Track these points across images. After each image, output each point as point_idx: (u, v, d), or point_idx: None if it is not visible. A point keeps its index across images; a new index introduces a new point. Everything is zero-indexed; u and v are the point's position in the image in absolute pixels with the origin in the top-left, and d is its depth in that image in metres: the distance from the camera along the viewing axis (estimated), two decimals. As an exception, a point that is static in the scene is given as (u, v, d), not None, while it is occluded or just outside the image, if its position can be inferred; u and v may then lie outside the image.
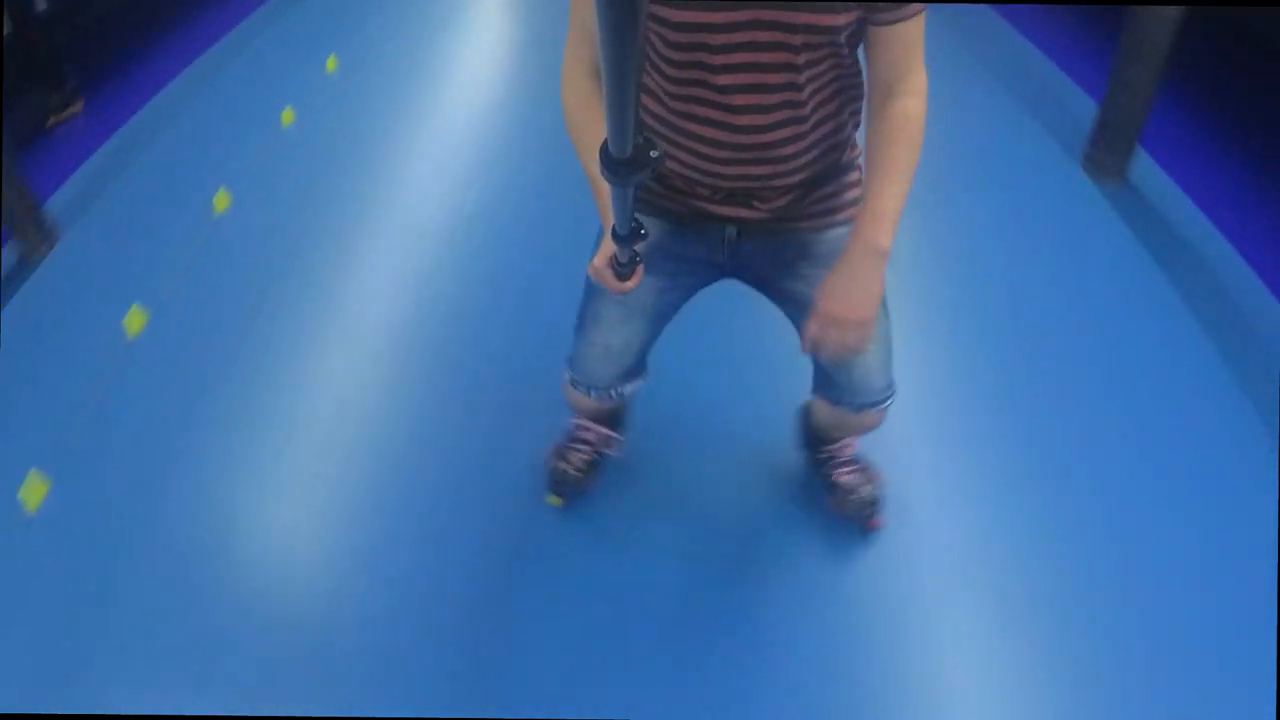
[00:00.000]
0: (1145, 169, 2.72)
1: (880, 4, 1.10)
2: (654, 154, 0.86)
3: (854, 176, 1.33)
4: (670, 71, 1.17)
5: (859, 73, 1.22)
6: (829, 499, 1.82)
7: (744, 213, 1.31)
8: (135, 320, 2.23)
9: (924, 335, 2.25)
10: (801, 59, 1.13)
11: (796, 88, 1.16)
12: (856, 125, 1.29)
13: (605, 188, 1.03)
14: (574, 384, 1.55)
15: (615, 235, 1.11)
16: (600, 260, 1.21)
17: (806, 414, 1.81)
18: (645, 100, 1.20)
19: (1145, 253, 2.46)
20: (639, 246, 1.14)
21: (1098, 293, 2.39)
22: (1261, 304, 2.35)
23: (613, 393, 1.53)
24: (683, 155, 1.25)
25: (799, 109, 1.18)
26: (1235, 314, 2.33)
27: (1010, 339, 2.27)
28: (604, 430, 1.81)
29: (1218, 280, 2.42)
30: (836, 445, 1.78)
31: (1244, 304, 2.35)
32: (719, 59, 1.13)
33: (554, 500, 1.87)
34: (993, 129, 3.04)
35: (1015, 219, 2.63)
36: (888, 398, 1.44)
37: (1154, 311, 2.32)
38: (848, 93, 1.23)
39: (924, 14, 1.12)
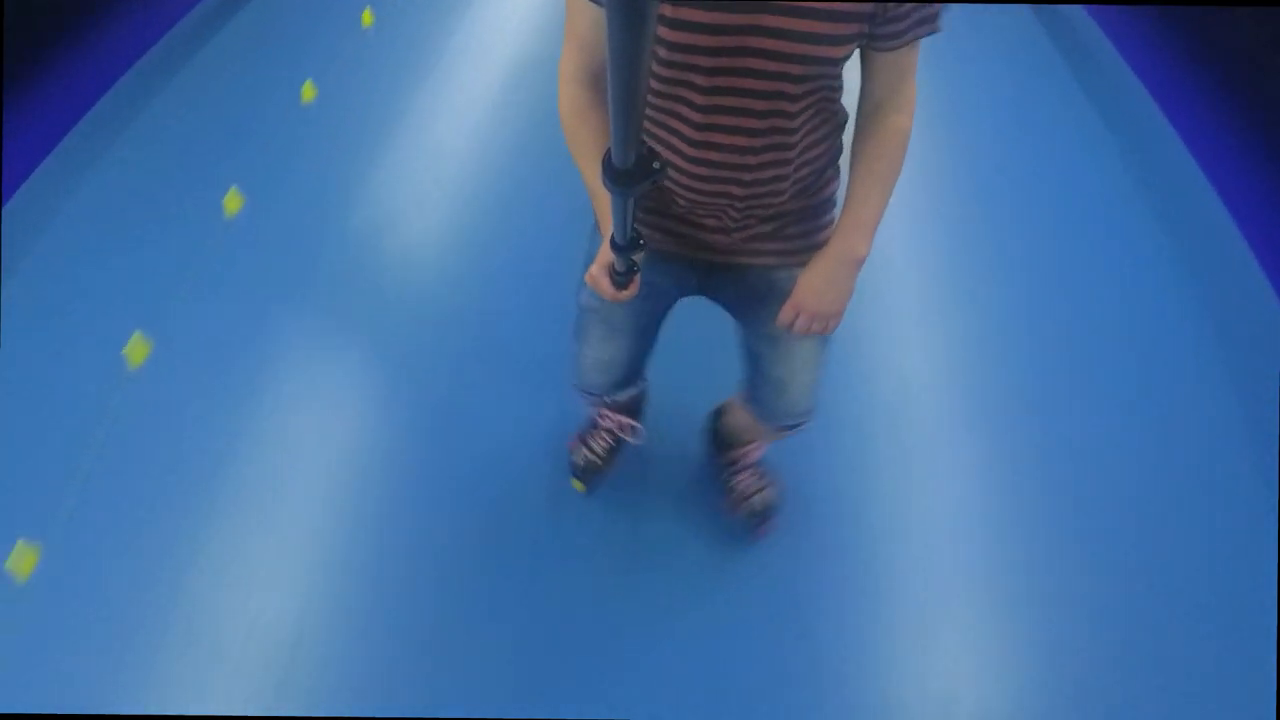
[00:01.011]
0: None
1: (885, 31, 1.10)
2: (656, 165, 0.88)
3: (830, 218, 1.34)
4: (657, 86, 1.14)
5: (841, 100, 1.24)
6: (724, 501, 1.84)
7: (718, 238, 1.30)
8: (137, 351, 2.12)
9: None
10: (795, 89, 1.12)
11: (786, 115, 1.15)
12: (839, 153, 1.30)
13: (604, 197, 1.03)
14: (575, 387, 1.60)
15: (614, 244, 1.11)
16: (597, 268, 1.21)
17: (718, 416, 1.83)
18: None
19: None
20: (637, 256, 1.15)
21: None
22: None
23: (607, 399, 1.58)
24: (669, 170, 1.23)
25: (787, 135, 1.17)
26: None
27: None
28: (624, 419, 1.82)
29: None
30: (742, 450, 1.79)
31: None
32: (707, 80, 1.11)
33: (578, 485, 1.89)
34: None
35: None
36: (807, 420, 1.50)
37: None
38: (834, 120, 1.24)
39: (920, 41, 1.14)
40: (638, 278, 1.21)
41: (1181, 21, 2.77)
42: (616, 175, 0.88)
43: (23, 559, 1.73)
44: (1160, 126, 2.85)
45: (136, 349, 2.08)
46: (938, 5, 1.11)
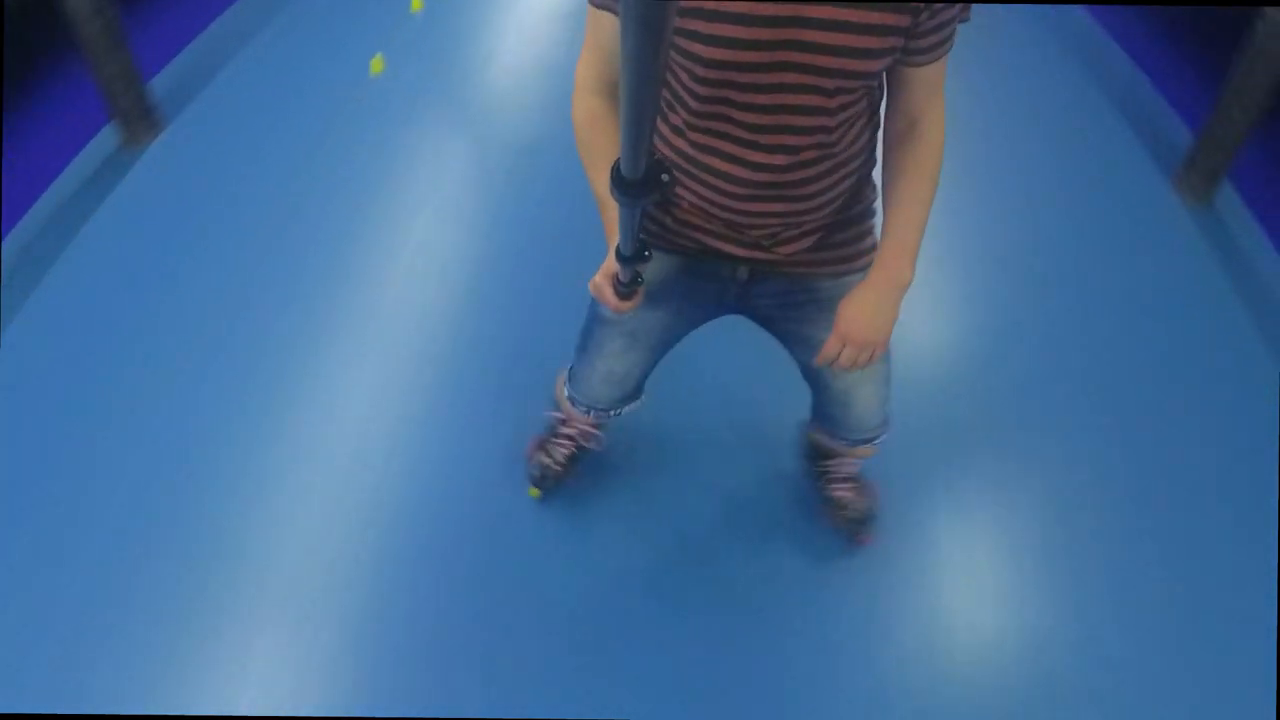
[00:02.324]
0: (1228, 197, 2.76)
1: (919, 45, 1.09)
2: (665, 177, 0.88)
3: (870, 224, 1.32)
4: (695, 106, 1.13)
5: (878, 112, 1.22)
6: (824, 511, 1.82)
7: (759, 254, 1.28)
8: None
9: (992, 327, 2.28)
10: (834, 103, 1.10)
11: (827, 130, 1.13)
12: (874, 164, 1.27)
13: (612, 206, 1.01)
14: (573, 401, 1.55)
15: (619, 255, 1.10)
16: (601, 277, 1.19)
17: (809, 428, 1.78)
18: (665, 133, 1.19)
19: (1220, 272, 2.50)
20: (641, 268, 1.14)
21: (1171, 306, 2.42)
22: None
23: (611, 413, 1.54)
24: (701, 190, 1.21)
25: (829, 149, 1.15)
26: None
27: (1076, 338, 2.27)
28: (585, 426, 1.77)
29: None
30: (835, 461, 1.78)
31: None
32: (746, 97, 1.09)
33: (534, 493, 1.84)
34: (1089, 137, 2.98)
35: (1097, 224, 2.66)
36: (881, 434, 1.49)
37: (1220, 326, 2.35)
38: (871, 132, 1.22)
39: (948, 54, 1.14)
40: (641, 290, 1.19)
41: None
42: (625, 186, 0.87)
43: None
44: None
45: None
46: (960, 19, 1.10)
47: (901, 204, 1.19)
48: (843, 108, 1.12)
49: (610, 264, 1.16)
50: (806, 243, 1.26)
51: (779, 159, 1.14)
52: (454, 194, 2.55)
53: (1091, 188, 2.74)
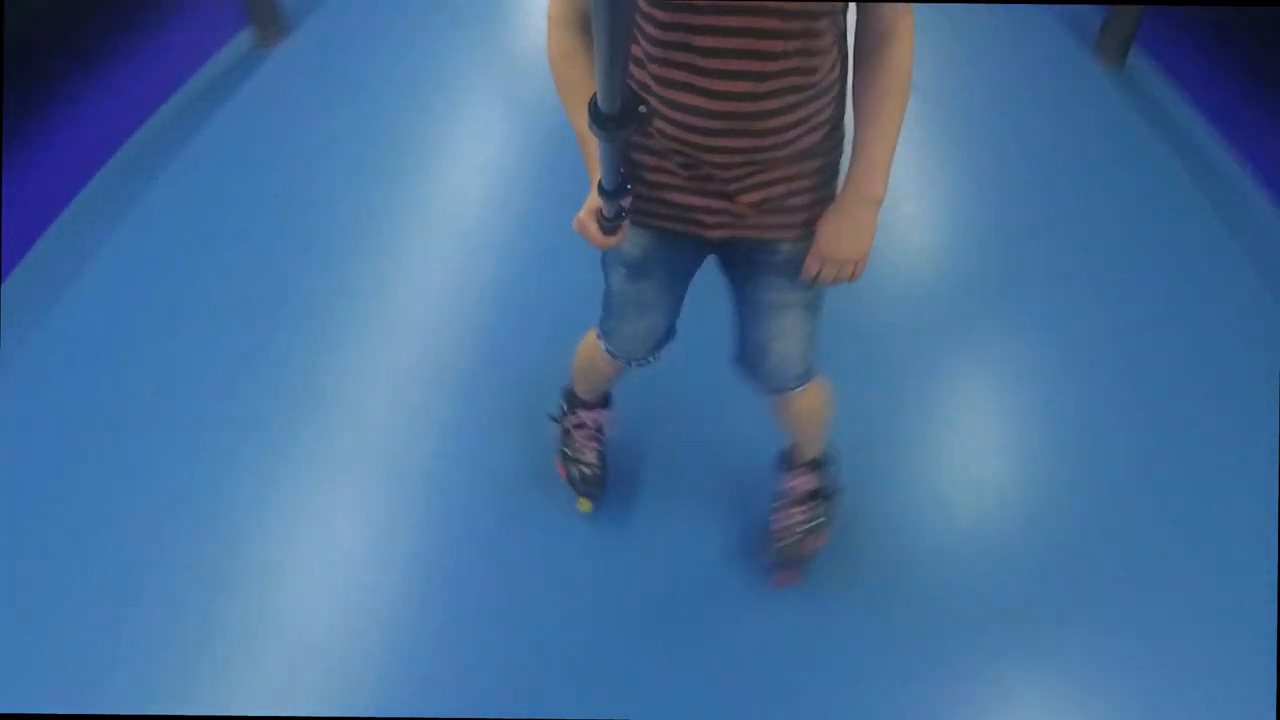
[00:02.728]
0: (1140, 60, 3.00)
1: None
2: (642, 109, 0.91)
3: (834, 188, 1.31)
4: (657, 34, 1.12)
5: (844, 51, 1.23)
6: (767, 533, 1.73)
7: (725, 221, 1.28)
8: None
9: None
10: (796, 25, 1.09)
11: (788, 56, 1.11)
12: (842, 114, 1.27)
13: (592, 142, 1.02)
14: (612, 355, 1.56)
15: (601, 190, 1.11)
16: (585, 213, 1.20)
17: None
18: (633, 68, 1.17)
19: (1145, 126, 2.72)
20: (625, 201, 1.14)
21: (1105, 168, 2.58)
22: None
23: (650, 358, 1.55)
24: (665, 127, 1.19)
25: (790, 79, 1.14)
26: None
27: (1026, 215, 2.41)
28: (597, 415, 1.76)
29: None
30: (795, 474, 1.68)
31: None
32: (704, 20, 1.08)
33: (584, 505, 1.78)
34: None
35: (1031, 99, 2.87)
36: (800, 384, 1.49)
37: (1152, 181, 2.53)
38: (840, 73, 1.22)
39: None
40: (625, 223, 1.20)
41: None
42: (603, 120, 0.88)
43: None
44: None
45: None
46: None
47: (870, 120, 1.20)
48: (805, 34, 1.10)
49: (593, 200, 1.16)
50: (770, 192, 1.26)
51: (740, 86, 1.12)
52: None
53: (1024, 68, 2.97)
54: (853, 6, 1.16)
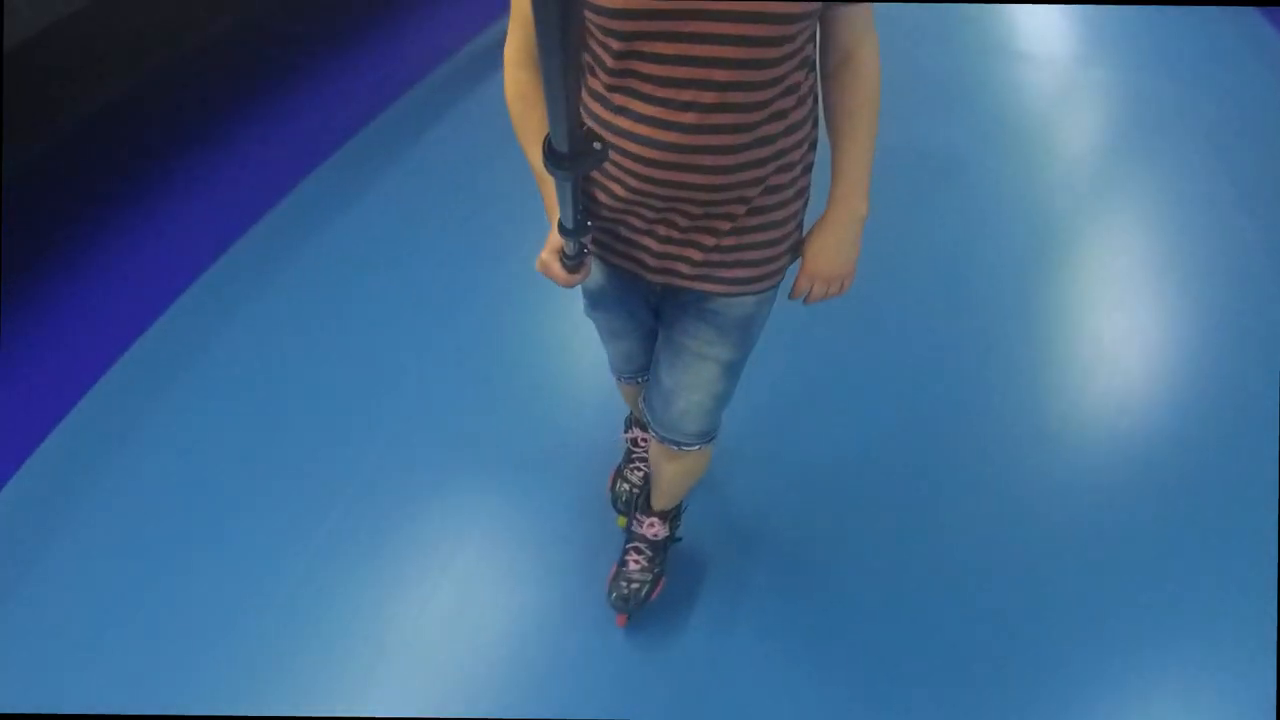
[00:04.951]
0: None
1: None
2: (597, 146, 0.91)
3: (788, 244, 1.28)
4: (611, 63, 1.10)
5: (813, 89, 1.19)
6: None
7: (667, 265, 1.26)
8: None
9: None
10: (746, 54, 1.06)
11: (738, 88, 1.08)
12: (809, 160, 1.25)
13: (550, 182, 1.04)
14: (617, 376, 1.63)
15: (561, 229, 1.12)
16: (548, 254, 1.21)
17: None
18: (585, 99, 1.16)
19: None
20: (585, 239, 1.15)
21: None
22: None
23: (639, 379, 1.60)
24: (618, 158, 1.16)
25: (740, 113, 1.11)
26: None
27: None
28: (644, 435, 1.84)
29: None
30: (646, 517, 1.74)
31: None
32: (654, 47, 1.07)
33: (622, 522, 1.89)
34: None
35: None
36: (696, 444, 1.47)
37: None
38: (801, 109, 1.17)
39: None
40: (589, 259, 1.22)
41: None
42: (558, 159, 0.89)
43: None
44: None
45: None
46: None
47: (847, 138, 1.21)
48: (756, 63, 1.07)
49: (554, 239, 1.17)
50: (723, 241, 1.21)
51: (687, 117, 1.09)
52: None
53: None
54: (818, 34, 1.16)
